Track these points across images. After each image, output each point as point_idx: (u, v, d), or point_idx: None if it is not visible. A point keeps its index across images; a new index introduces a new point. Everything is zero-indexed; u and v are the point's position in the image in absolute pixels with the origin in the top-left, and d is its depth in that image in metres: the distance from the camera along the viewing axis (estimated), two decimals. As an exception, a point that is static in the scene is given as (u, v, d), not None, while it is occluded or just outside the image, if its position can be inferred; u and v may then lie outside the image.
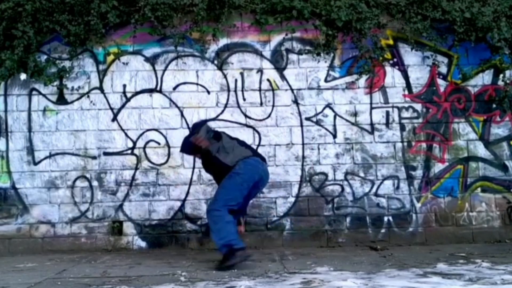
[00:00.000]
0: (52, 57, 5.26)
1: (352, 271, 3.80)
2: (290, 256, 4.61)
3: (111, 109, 5.29)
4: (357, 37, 5.30)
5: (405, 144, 5.37)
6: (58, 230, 5.16)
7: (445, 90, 5.42)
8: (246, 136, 5.26)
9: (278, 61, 5.40)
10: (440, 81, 5.43)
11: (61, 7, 5.09)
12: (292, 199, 5.27)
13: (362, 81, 5.39)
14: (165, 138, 5.28)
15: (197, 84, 5.35)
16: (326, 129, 5.35)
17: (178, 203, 5.22)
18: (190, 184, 5.23)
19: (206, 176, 5.19)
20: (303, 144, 5.33)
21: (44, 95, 5.27)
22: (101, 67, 5.32)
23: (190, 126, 5.06)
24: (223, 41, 5.38)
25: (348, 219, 5.27)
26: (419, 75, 5.43)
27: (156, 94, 5.31)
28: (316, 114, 5.36)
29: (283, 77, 5.38)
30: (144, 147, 5.27)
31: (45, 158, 5.22)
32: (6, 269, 4.25)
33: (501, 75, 5.32)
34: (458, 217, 5.30)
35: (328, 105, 5.36)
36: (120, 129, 5.27)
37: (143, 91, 5.32)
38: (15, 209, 5.16)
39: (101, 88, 5.30)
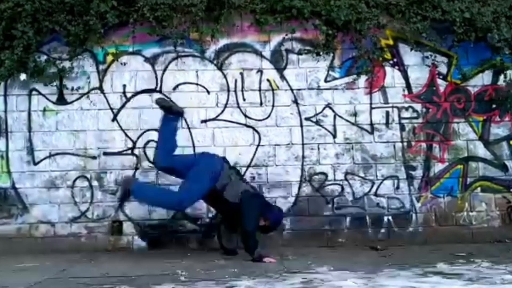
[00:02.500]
0: (52, 57, 5.24)
1: (352, 271, 3.79)
2: (290, 255, 4.60)
3: (111, 109, 5.29)
4: (357, 37, 5.29)
5: (405, 144, 5.37)
6: (58, 230, 5.15)
7: (445, 90, 5.42)
8: (246, 136, 5.27)
9: (278, 61, 5.39)
10: (439, 81, 5.43)
11: (60, 7, 5.08)
12: (292, 199, 5.27)
13: (362, 81, 5.39)
14: (165, 138, 5.27)
15: (197, 84, 5.34)
16: (326, 129, 5.35)
17: (178, 203, 5.21)
18: (190, 184, 5.22)
19: (206, 176, 5.20)
20: (303, 144, 5.32)
21: (44, 95, 5.26)
22: (101, 67, 5.31)
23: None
24: (222, 41, 5.38)
25: (348, 219, 5.26)
26: (419, 75, 5.42)
27: (156, 94, 5.29)
28: (316, 114, 5.36)
29: (283, 77, 5.38)
30: (144, 147, 5.26)
31: (45, 158, 5.21)
32: (6, 269, 4.24)
33: (502, 76, 5.32)
34: (458, 216, 5.30)
35: (328, 105, 5.36)
36: (120, 129, 5.26)
37: (143, 91, 5.31)
38: (15, 209, 5.15)
39: (101, 88, 5.30)
